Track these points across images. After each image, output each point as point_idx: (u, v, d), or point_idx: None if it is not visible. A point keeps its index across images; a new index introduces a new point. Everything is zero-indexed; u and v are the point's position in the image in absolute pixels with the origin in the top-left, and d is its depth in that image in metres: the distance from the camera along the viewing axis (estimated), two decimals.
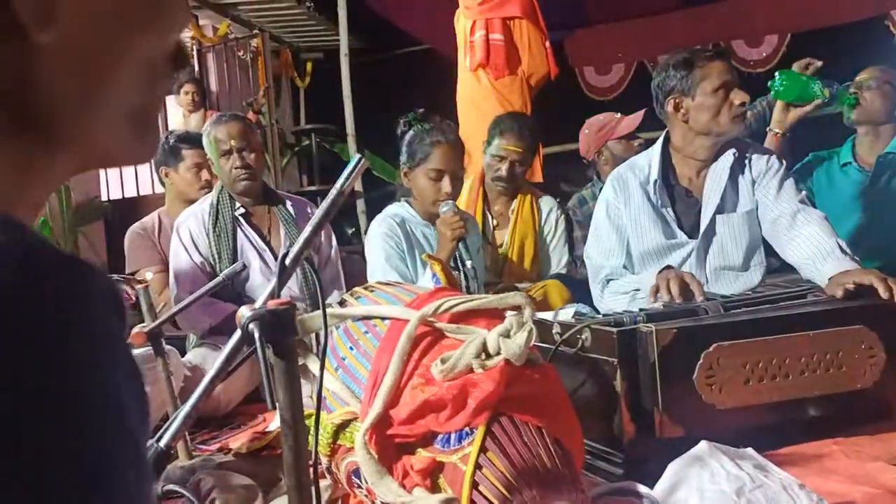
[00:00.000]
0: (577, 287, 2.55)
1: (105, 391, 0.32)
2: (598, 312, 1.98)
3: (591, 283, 2.14)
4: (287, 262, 1.04)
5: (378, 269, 2.23)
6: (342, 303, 1.56)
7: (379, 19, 4.82)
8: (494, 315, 1.34)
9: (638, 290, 1.91)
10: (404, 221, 2.29)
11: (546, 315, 2.27)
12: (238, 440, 1.78)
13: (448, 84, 4.80)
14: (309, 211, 2.72)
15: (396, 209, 2.34)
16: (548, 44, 3.38)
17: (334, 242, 2.75)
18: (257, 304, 1.02)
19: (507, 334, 1.25)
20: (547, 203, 3.00)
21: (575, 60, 6.06)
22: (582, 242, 2.80)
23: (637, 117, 3.11)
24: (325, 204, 1.06)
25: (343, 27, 4.37)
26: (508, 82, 3.45)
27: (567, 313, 2.24)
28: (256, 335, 0.95)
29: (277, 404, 0.95)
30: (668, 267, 1.84)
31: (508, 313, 1.31)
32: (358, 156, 1.08)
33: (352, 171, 1.05)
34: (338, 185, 1.05)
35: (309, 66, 5.26)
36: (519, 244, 2.88)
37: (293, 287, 2.56)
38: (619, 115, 3.21)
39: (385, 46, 5.56)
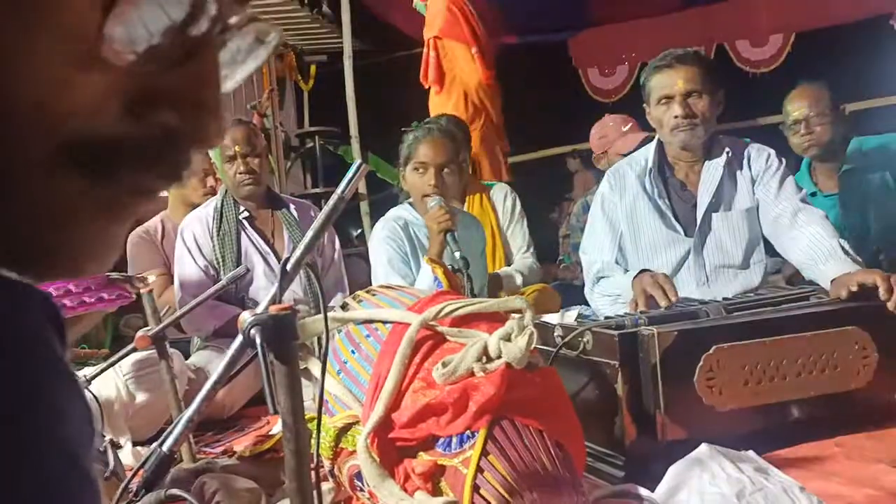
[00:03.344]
0: (576, 292, 2.55)
1: (47, 415, 0.31)
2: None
3: (586, 278, 2.16)
4: (288, 267, 1.05)
5: (381, 271, 2.24)
6: (344, 306, 1.57)
7: (381, 22, 4.83)
8: (495, 318, 1.34)
9: (619, 294, 1.92)
10: (407, 224, 2.30)
11: (550, 317, 2.28)
12: (242, 443, 1.79)
13: None
14: (312, 214, 2.74)
15: (399, 211, 2.35)
16: (474, 50, 3.38)
17: (337, 245, 2.76)
18: (259, 310, 1.03)
19: (507, 338, 1.26)
20: (500, 190, 2.96)
21: (578, 62, 6.06)
22: None
23: (636, 139, 3.08)
24: (326, 210, 1.07)
25: (346, 30, 4.38)
26: (444, 98, 3.50)
27: (570, 315, 2.24)
28: (258, 340, 0.96)
29: (279, 409, 0.96)
30: (644, 271, 1.84)
31: (511, 316, 1.31)
32: (358, 161, 1.09)
33: (352, 178, 1.06)
34: (338, 191, 1.06)
35: (313, 68, 5.28)
36: None
37: (297, 290, 2.57)
38: (629, 124, 3.16)
39: (388, 49, 5.57)
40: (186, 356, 2.42)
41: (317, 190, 4.92)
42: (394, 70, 5.58)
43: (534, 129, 6.45)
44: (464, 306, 1.31)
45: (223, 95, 0.36)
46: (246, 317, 1.01)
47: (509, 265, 2.85)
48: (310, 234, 1.07)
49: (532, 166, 6.39)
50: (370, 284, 2.36)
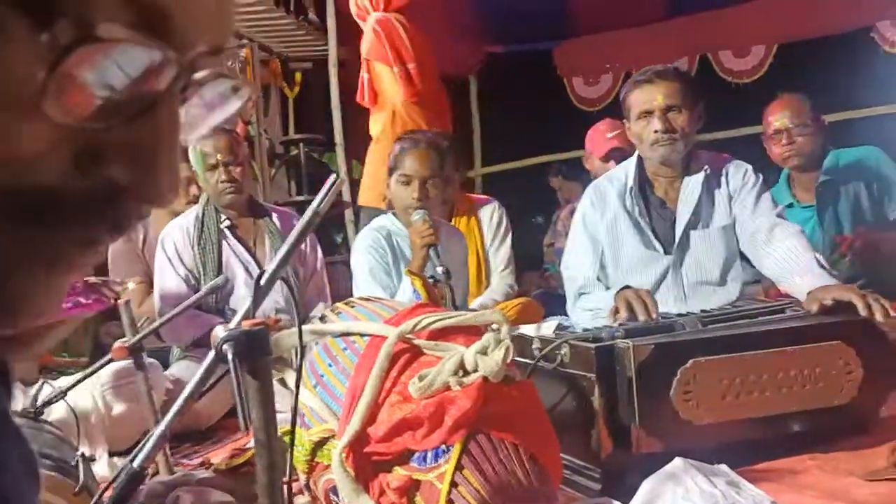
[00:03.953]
0: (560, 301, 2.54)
1: None
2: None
3: (567, 293, 2.17)
4: (262, 281, 1.05)
5: (363, 281, 2.24)
6: (322, 318, 1.56)
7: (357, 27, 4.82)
8: (472, 331, 1.34)
9: (600, 308, 1.92)
10: (390, 234, 2.30)
11: (528, 328, 2.29)
12: (219, 455, 1.78)
13: None
14: (294, 223, 2.72)
15: (382, 221, 2.36)
16: (396, 70, 3.40)
17: (320, 254, 2.75)
18: (232, 324, 1.02)
19: (484, 351, 1.26)
20: (486, 210, 2.97)
21: (563, 71, 6.09)
22: None
23: (609, 146, 3.08)
24: (301, 224, 1.06)
25: (332, 37, 4.38)
26: (377, 117, 3.57)
27: (549, 326, 2.25)
28: (230, 356, 0.96)
29: (251, 425, 0.95)
30: (627, 287, 1.86)
31: (488, 329, 1.32)
32: (333, 176, 1.09)
33: (327, 192, 1.06)
34: (313, 205, 1.06)
35: (298, 76, 5.27)
36: None
37: (279, 299, 2.56)
38: (616, 131, 3.13)
39: None
40: (166, 366, 2.40)
41: (301, 198, 4.90)
42: None
43: (519, 137, 6.47)
44: (440, 319, 1.31)
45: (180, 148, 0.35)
46: (219, 331, 1.00)
47: (487, 282, 2.86)
48: (284, 248, 1.06)
49: (517, 174, 6.41)
50: (352, 292, 2.36)
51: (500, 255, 2.93)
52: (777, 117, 2.58)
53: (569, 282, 2.15)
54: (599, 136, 3.16)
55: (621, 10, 5.38)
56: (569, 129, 6.10)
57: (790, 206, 2.64)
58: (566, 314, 2.33)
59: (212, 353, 1.01)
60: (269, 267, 1.05)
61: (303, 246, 2.83)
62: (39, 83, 0.28)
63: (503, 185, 6.39)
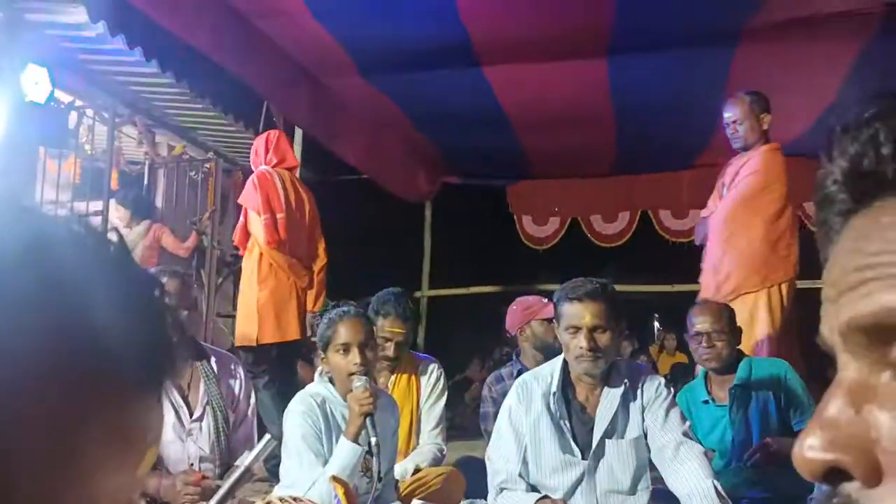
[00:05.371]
0: (482, 470, 2.57)
1: None
2: None
3: (489, 483, 2.23)
4: None
5: (294, 446, 2.28)
6: None
7: (324, 149, 5.01)
8: None
9: None
10: (325, 401, 2.36)
11: None
12: None
13: (383, 210, 4.98)
14: (233, 368, 2.77)
15: (318, 388, 2.41)
16: (264, 218, 3.68)
17: (252, 401, 2.77)
18: None
19: None
20: (428, 369, 3.05)
21: (515, 208, 6.40)
22: (492, 419, 2.85)
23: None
24: (230, 480, 1.14)
25: (297, 152, 4.55)
26: (247, 258, 3.85)
27: None
28: None
29: None
30: (546, 497, 1.95)
31: None
32: (267, 436, 1.17)
33: (260, 452, 1.15)
34: (245, 463, 1.14)
35: None
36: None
37: (203, 446, 2.56)
38: (545, 300, 3.32)
39: (333, 172, 5.78)
40: None
41: None
42: (336, 192, 5.77)
43: (467, 265, 6.71)
44: None
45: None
46: None
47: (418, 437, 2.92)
48: (216, 498, 1.13)
49: (460, 300, 6.58)
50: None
51: (433, 412, 3.00)
52: (699, 320, 2.77)
53: (492, 473, 2.22)
54: (519, 312, 3.33)
55: (573, 161, 5.75)
56: (515, 263, 6.39)
57: (706, 402, 2.81)
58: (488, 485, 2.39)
59: None
60: None
61: (236, 391, 2.86)
62: None
63: (446, 309, 6.56)
